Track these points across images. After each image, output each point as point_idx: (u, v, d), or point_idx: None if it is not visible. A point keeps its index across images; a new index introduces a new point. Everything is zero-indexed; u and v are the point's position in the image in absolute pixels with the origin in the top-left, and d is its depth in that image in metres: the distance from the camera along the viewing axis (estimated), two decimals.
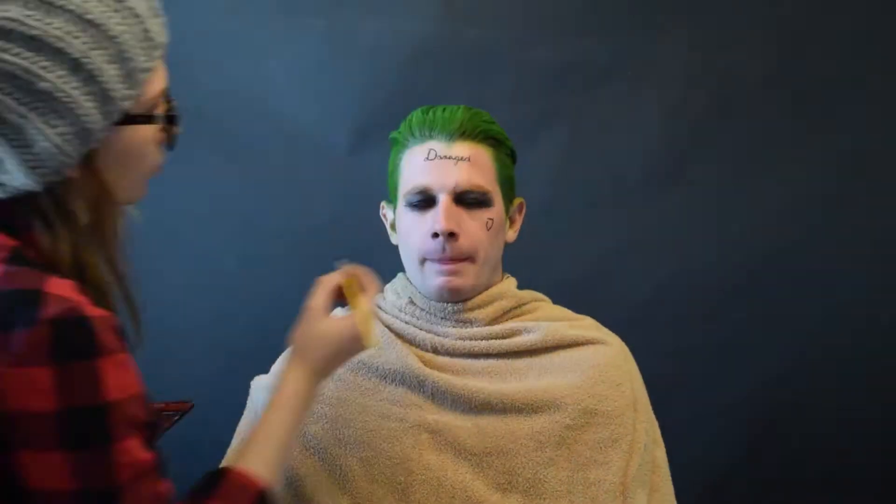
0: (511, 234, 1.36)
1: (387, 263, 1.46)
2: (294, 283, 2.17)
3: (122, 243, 0.91)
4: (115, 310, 0.88)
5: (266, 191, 2.20)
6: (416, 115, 1.31)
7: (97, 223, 0.88)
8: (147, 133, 0.91)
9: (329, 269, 2.19)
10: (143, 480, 0.82)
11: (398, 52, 2.16)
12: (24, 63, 0.80)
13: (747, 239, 2.12)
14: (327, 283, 1.15)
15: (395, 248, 1.35)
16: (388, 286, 1.39)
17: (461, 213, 1.26)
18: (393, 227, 1.36)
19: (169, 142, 0.96)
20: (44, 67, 0.80)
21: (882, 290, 2.08)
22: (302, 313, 1.12)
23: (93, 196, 0.87)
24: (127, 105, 0.86)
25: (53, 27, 0.80)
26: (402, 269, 1.36)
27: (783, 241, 2.11)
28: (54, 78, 0.81)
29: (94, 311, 0.80)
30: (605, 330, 1.37)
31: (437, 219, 1.25)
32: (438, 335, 1.31)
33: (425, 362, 1.29)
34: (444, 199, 1.25)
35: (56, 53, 0.81)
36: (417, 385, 1.27)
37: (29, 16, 0.79)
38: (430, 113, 1.30)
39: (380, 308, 1.37)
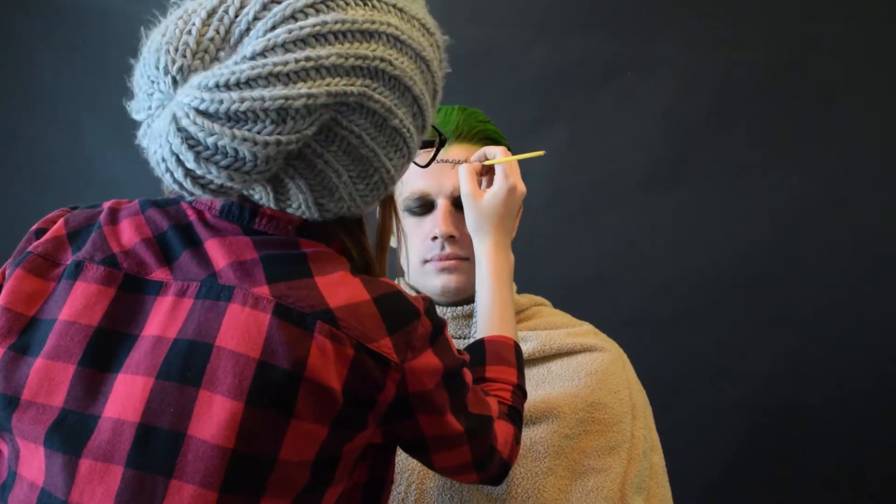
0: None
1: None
2: None
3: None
4: None
5: None
6: None
7: (382, 241, 0.99)
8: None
9: None
10: (479, 395, 1.00)
11: None
12: (386, 101, 0.83)
13: (747, 239, 2.12)
14: (470, 170, 1.22)
15: (393, 250, 1.35)
16: None
17: (460, 216, 1.25)
18: None
19: (429, 162, 1.10)
20: (396, 105, 0.84)
21: (882, 290, 2.08)
22: (467, 202, 1.21)
23: (386, 219, 0.98)
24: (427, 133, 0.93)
25: (405, 66, 0.84)
26: (400, 270, 1.36)
27: (783, 241, 2.11)
28: (402, 115, 0.85)
29: (429, 297, 0.94)
30: (603, 336, 1.37)
31: (436, 223, 1.25)
32: None
33: None
34: (442, 204, 1.25)
35: (405, 92, 0.85)
36: None
37: (392, 56, 0.83)
38: None
39: None
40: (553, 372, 1.29)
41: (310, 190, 0.84)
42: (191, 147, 0.77)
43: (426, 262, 1.28)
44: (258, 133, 0.76)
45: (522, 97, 2.14)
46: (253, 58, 0.77)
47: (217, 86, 0.76)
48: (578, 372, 1.29)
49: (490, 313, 1.17)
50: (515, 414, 1.08)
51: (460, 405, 0.95)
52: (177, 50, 0.77)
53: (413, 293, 1.32)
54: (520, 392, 1.11)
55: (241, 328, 0.81)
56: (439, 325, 0.91)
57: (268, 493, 0.80)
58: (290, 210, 0.86)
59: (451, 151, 1.26)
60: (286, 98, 0.76)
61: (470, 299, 1.31)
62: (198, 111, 0.76)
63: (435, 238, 1.25)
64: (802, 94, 2.08)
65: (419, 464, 1.23)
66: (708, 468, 2.12)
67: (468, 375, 0.98)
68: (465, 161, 1.26)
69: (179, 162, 0.78)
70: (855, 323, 2.09)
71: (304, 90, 0.77)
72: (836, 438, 2.10)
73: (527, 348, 1.30)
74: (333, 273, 0.85)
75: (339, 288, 0.84)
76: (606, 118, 2.14)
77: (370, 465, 0.94)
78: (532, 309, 1.37)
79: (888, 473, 2.09)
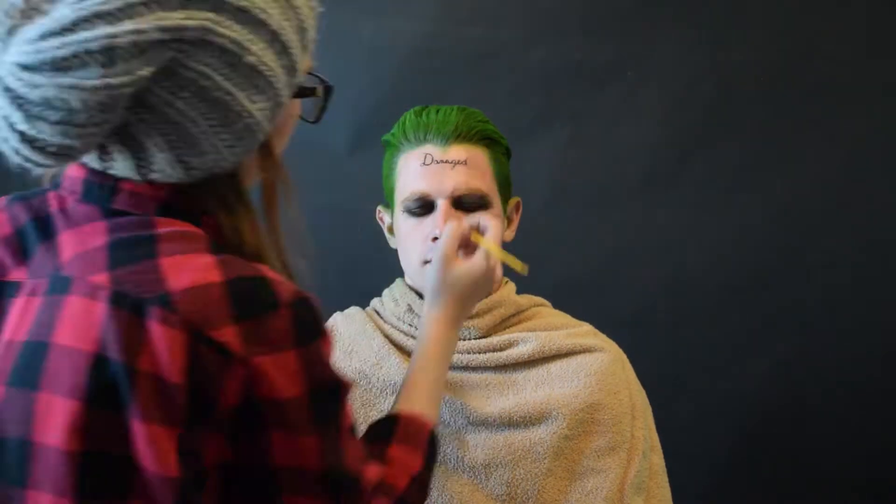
0: (509, 234, 1.35)
1: (386, 264, 1.46)
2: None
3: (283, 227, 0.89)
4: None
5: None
6: (409, 118, 1.29)
7: (269, 204, 0.86)
8: (297, 109, 0.89)
9: (327, 268, 2.19)
10: (353, 439, 0.85)
11: (397, 52, 2.15)
12: (234, 35, 0.75)
13: (747, 239, 2.11)
14: (456, 232, 1.16)
15: (394, 249, 1.34)
16: (385, 292, 1.39)
17: (460, 215, 1.25)
18: (390, 230, 1.35)
19: (319, 115, 0.93)
20: (249, 40, 0.76)
21: (882, 290, 2.08)
22: (437, 263, 1.14)
23: (256, 176, 0.86)
24: (301, 78, 0.84)
25: None
26: (400, 272, 1.35)
27: (783, 241, 2.10)
28: (258, 50, 0.77)
29: (308, 292, 0.80)
30: (603, 336, 1.36)
31: (437, 224, 1.24)
32: None
33: None
34: (442, 205, 1.24)
35: (259, 25, 0.77)
36: None
37: None
38: (424, 115, 1.28)
39: (378, 315, 1.37)
40: (552, 373, 1.29)
41: (169, 146, 0.77)
42: (19, 106, 0.71)
43: (427, 262, 1.27)
44: (85, 79, 0.70)
45: (522, 97, 2.14)
46: (76, 2, 0.70)
47: (40, 36, 0.70)
48: (578, 373, 1.28)
49: (416, 388, 1.05)
50: None
51: (330, 439, 0.80)
52: (5, 13, 0.72)
53: (413, 294, 1.33)
54: (417, 487, 0.95)
55: (75, 320, 0.75)
56: (314, 329, 0.79)
57: (132, 499, 0.73)
58: (154, 176, 0.78)
59: (451, 152, 1.25)
60: (110, 36, 0.69)
61: None
62: (21, 66, 0.70)
63: (435, 239, 1.24)
64: (802, 94, 2.08)
65: None
66: (708, 468, 2.12)
67: (349, 412, 0.84)
68: (465, 162, 1.25)
69: (11, 126, 0.72)
70: (855, 323, 2.08)
71: (130, 26, 0.70)
72: (837, 439, 2.10)
73: (526, 349, 1.29)
74: (185, 254, 0.77)
75: (184, 269, 0.75)
76: (606, 118, 2.14)
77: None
78: (532, 310, 1.36)
79: (888, 474, 2.08)
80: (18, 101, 0.71)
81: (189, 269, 0.76)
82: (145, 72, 0.72)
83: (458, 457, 1.24)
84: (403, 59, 2.15)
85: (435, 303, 1.13)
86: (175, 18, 0.72)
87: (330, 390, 0.80)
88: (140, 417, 0.72)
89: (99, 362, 0.73)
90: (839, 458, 2.09)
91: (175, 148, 0.78)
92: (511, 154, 1.34)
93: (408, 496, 0.93)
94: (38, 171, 0.78)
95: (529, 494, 1.21)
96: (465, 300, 1.14)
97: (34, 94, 0.71)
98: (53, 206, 0.83)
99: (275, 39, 0.78)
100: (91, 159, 0.81)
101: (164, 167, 0.79)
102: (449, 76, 2.14)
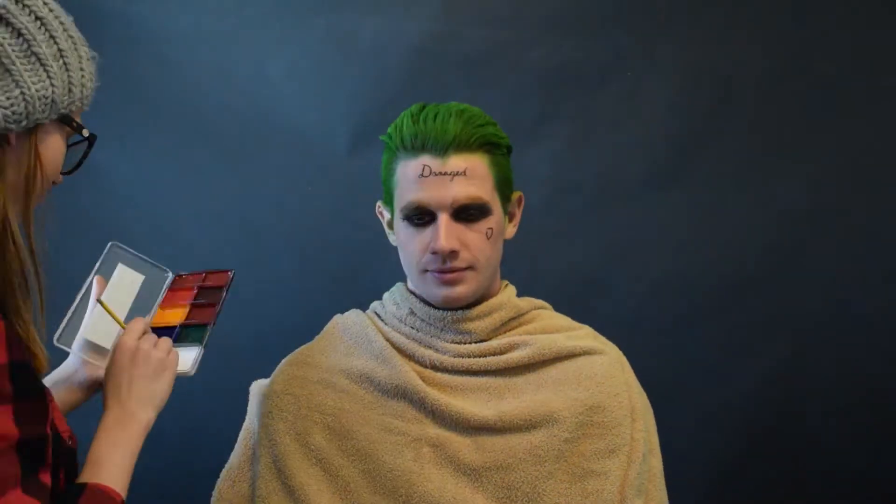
0: (511, 230, 1.34)
1: (386, 264, 1.46)
2: (293, 283, 2.20)
3: (39, 223, 1.03)
4: (13, 279, 0.99)
5: (266, 191, 2.20)
6: (406, 123, 1.26)
7: (25, 190, 1.00)
8: (62, 147, 1.04)
9: (327, 269, 2.19)
10: (5, 455, 0.92)
11: (398, 52, 2.15)
12: (32, 28, 0.97)
13: (747, 239, 2.11)
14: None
15: (394, 249, 1.34)
16: (386, 295, 1.39)
17: (460, 227, 1.24)
18: (390, 225, 1.34)
19: (73, 168, 1.08)
20: (41, 40, 0.98)
21: (882, 291, 2.08)
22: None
23: (26, 164, 0.99)
24: (72, 109, 1.02)
25: (55, 20, 1.00)
26: (400, 269, 1.35)
27: (783, 241, 2.10)
28: (46, 51, 0.98)
29: None
30: (603, 339, 1.36)
31: (437, 237, 1.23)
32: (438, 351, 1.30)
33: (424, 378, 1.29)
34: (443, 217, 1.23)
35: (51, 38, 0.99)
36: (418, 401, 1.27)
37: (42, 4, 0.99)
38: (422, 122, 1.24)
39: (379, 318, 1.37)
40: (552, 376, 1.29)
41: None
42: None
43: (426, 272, 1.27)
44: None
45: (522, 97, 2.14)
46: None
47: None
48: (577, 375, 1.28)
49: (105, 459, 1.06)
50: None
51: None
52: None
53: (414, 297, 1.33)
54: None
55: None
56: None
57: None
58: None
59: (450, 163, 1.23)
60: None
61: (471, 304, 1.30)
62: None
63: (435, 253, 1.24)
64: (802, 95, 2.08)
65: (418, 467, 1.23)
66: (708, 469, 2.12)
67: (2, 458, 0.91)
68: (464, 172, 1.23)
69: None
70: (855, 323, 2.08)
71: None
72: (837, 440, 2.10)
73: (526, 353, 1.29)
74: None
75: None
76: (606, 118, 2.14)
77: None
78: (532, 312, 1.36)
79: (888, 475, 2.08)
80: None
81: None
82: None
83: (458, 460, 1.24)
84: (403, 59, 2.15)
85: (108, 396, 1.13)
86: None
87: None
88: None
89: None
90: (839, 459, 2.09)
91: None
92: (512, 149, 1.33)
93: None
94: None
95: (530, 497, 1.22)
96: (121, 387, 1.12)
97: None
98: None
99: (59, 55, 1.00)
100: None
101: None
102: (449, 76, 2.14)
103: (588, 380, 1.28)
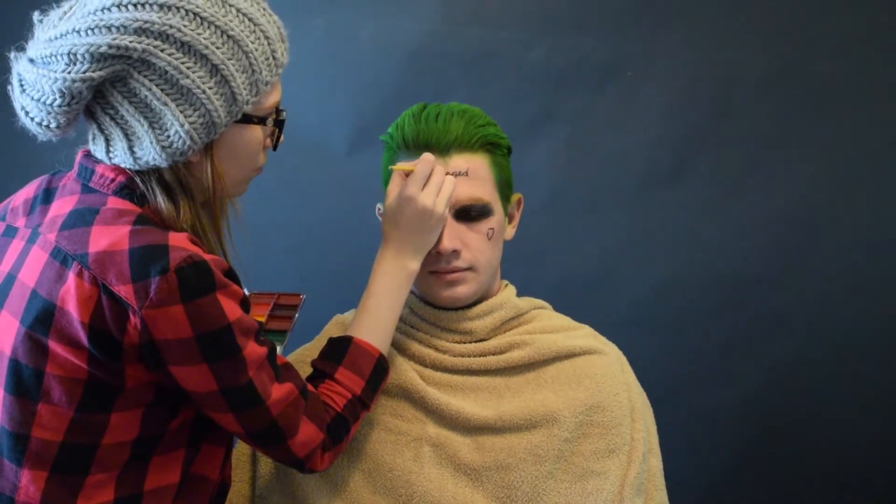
0: (510, 231, 1.34)
1: None
2: (293, 282, 2.20)
3: (227, 227, 1.15)
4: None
5: (266, 191, 2.19)
6: (407, 123, 1.26)
7: (210, 202, 1.09)
8: (257, 134, 1.10)
9: (327, 269, 2.19)
10: (263, 368, 1.06)
11: (398, 52, 2.15)
12: (175, 62, 1.00)
13: (747, 239, 2.12)
14: (397, 174, 1.24)
15: None
16: None
17: (462, 227, 1.24)
18: None
19: (274, 145, 1.16)
20: (189, 68, 1.00)
21: (882, 291, 2.08)
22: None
23: (207, 179, 1.07)
24: (248, 108, 1.06)
25: (202, 37, 1.01)
26: None
27: (783, 241, 2.10)
28: (196, 78, 1.01)
29: (207, 256, 1.02)
30: (602, 339, 1.36)
31: (439, 237, 1.23)
32: (438, 350, 1.30)
33: (424, 378, 1.29)
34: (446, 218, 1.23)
35: (201, 58, 1.01)
36: (419, 401, 1.27)
37: (185, 26, 1.00)
38: (423, 123, 1.25)
39: None
40: (552, 375, 1.28)
41: (125, 137, 1.03)
42: (19, 83, 1.03)
43: (431, 273, 1.27)
44: (54, 71, 0.99)
45: (522, 97, 2.14)
46: (67, 20, 1.01)
47: (43, 41, 1.01)
48: (577, 375, 1.28)
49: (368, 316, 1.21)
50: (338, 423, 1.14)
51: (224, 367, 1.02)
52: (34, 23, 1.04)
53: (415, 297, 1.33)
54: (358, 404, 1.17)
55: (31, 264, 1.04)
56: (199, 288, 0.99)
57: (44, 400, 1.01)
58: (116, 160, 1.04)
59: (452, 163, 1.23)
60: (74, 45, 0.98)
61: (471, 304, 1.31)
62: (28, 59, 1.02)
63: (439, 253, 1.24)
64: (802, 94, 2.08)
65: (417, 466, 1.23)
66: (708, 469, 2.12)
67: (251, 348, 1.04)
68: (465, 173, 1.24)
69: (16, 97, 1.03)
70: (855, 324, 2.08)
71: (88, 40, 0.98)
72: (837, 440, 2.10)
73: (525, 352, 1.29)
74: (112, 224, 1.02)
75: (105, 236, 1.00)
76: (606, 118, 2.14)
77: (157, 416, 1.05)
78: (532, 312, 1.36)
79: (889, 475, 2.08)
80: (19, 80, 1.03)
81: (109, 235, 1.00)
82: (96, 74, 0.99)
83: (457, 459, 1.24)
84: (403, 59, 2.15)
85: (382, 239, 1.24)
86: (125, 41, 0.98)
87: (218, 332, 1.00)
88: (55, 339, 1.00)
89: (33, 295, 1.02)
90: (839, 460, 2.10)
91: (128, 138, 1.03)
92: (512, 150, 1.33)
93: (345, 413, 1.14)
94: (43, 137, 1.05)
95: (530, 497, 1.21)
96: (399, 230, 1.21)
97: (26, 77, 1.02)
98: (63, 181, 1.11)
99: (215, 72, 1.02)
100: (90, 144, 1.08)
101: (121, 154, 1.04)
102: (449, 76, 2.14)
103: (588, 379, 1.28)
